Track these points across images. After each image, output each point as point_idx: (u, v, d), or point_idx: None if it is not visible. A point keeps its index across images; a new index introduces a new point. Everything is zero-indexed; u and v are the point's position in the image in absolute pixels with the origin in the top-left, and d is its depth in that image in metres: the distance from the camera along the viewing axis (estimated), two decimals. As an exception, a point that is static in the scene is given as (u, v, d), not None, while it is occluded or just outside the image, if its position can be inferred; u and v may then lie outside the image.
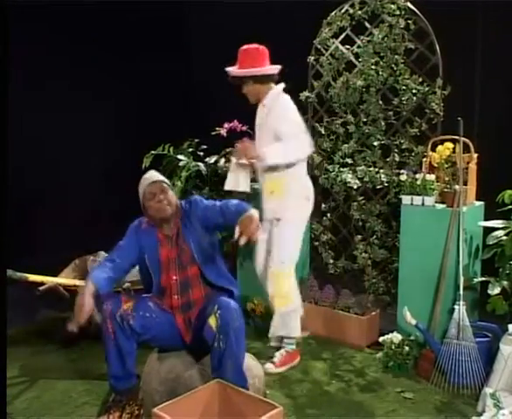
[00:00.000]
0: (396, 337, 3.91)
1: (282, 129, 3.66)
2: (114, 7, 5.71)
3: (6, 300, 2.56)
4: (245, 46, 3.76)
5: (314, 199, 3.99)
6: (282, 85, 3.84)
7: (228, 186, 3.89)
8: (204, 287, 3.27)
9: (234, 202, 3.25)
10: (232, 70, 3.78)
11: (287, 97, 3.83)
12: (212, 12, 6.31)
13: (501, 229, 3.67)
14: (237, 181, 3.83)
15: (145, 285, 3.37)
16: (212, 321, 3.01)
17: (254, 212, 3.06)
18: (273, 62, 3.81)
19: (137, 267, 4.28)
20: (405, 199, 4.08)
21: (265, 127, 3.84)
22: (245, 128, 4.73)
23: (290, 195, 3.79)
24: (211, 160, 5.02)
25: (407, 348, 3.85)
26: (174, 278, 3.24)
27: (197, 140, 4.49)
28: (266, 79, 3.78)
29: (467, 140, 3.94)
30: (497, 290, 3.60)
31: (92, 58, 5.77)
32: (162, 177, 3.37)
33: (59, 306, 4.64)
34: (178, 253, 3.24)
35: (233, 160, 3.87)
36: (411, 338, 3.92)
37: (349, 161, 4.65)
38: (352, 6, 4.53)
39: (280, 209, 3.79)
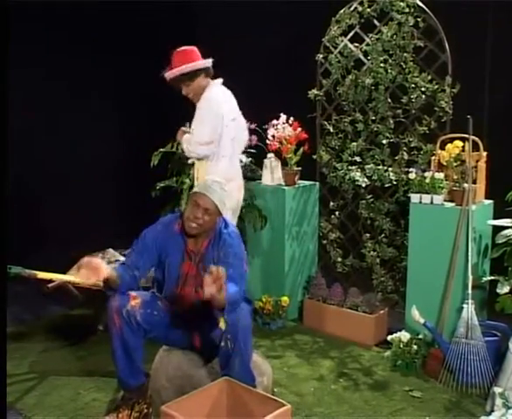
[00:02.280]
0: (404, 336, 3.90)
1: (193, 125, 3.91)
2: (121, 7, 5.73)
3: (6, 298, 2.58)
4: (177, 50, 3.91)
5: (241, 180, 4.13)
6: (218, 80, 4.01)
7: (265, 181, 4.76)
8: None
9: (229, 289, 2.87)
10: (178, 70, 3.87)
11: (213, 92, 3.93)
12: (219, 10, 6.30)
13: (511, 227, 3.66)
14: (272, 177, 4.72)
15: (156, 287, 3.31)
16: (221, 320, 2.99)
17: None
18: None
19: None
20: (414, 197, 4.07)
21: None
22: (253, 126, 4.73)
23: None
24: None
25: (415, 347, 3.84)
26: (187, 295, 3.18)
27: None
28: (201, 73, 3.91)
29: (476, 139, 3.93)
30: (506, 289, 3.58)
31: (97, 56, 5.78)
32: (217, 200, 3.09)
33: (68, 304, 4.67)
34: (197, 273, 3.17)
35: (268, 159, 4.71)
36: (420, 336, 3.91)
37: (358, 159, 4.64)
38: (361, 4, 4.51)
39: None
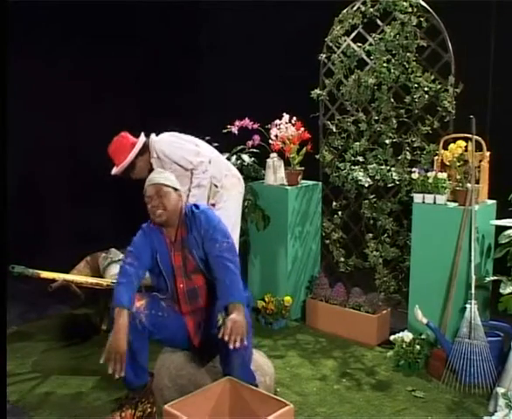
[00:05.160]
0: (407, 335, 3.90)
1: (179, 162, 4.06)
2: (126, 7, 5.75)
3: (6, 298, 2.59)
4: (110, 146, 4.10)
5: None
6: (153, 135, 4.16)
7: (268, 181, 4.76)
8: (213, 296, 3.19)
9: (229, 274, 3.00)
10: (119, 168, 4.08)
11: (160, 138, 4.14)
12: (222, 11, 6.31)
13: (514, 227, 3.65)
14: (275, 177, 4.73)
15: (156, 288, 3.32)
16: (220, 320, 2.98)
17: (237, 315, 2.82)
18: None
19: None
20: (417, 197, 4.06)
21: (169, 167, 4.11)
22: (256, 126, 4.74)
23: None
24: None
25: (418, 347, 3.84)
26: (181, 286, 3.21)
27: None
28: (143, 151, 4.10)
29: (479, 139, 3.92)
30: (509, 289, 3.58)
31: (100, 55, 5.79)
32: (163, 179, 3.19)
33: (71, 303, 4.68)
34: (183, 261, 3.19)
35: (271, 159, 4.73)
36: (423, 336, 3.91)
37: (361, 159, 4.64)
38: (364, 4, 4.51)
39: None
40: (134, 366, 3.08)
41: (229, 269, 3.02)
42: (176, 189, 3.21)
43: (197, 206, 3.27)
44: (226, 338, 2.73)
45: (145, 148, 4.11)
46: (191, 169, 4.05)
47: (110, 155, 4.11)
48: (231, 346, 2.74)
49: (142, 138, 4.12)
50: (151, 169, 4.13)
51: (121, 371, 2.86)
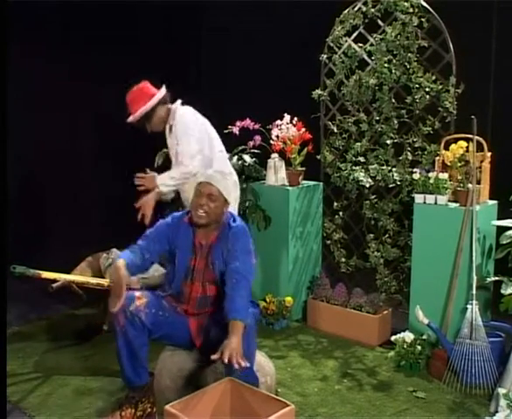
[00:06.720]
0: (408, 336, 3.89)
1: (178, 148, 3.94)
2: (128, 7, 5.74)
3: (6, 298, 2.59)
4: (129, 94, 4.00)
5: None
6: (179, 101, 4.07)
7: (269, 181, 4.77)
8: (221, 303, 3.14)
9: (238, 290, 2.99)
10: (138, 113, 3.95)
11: (184, 111, 4.05)
12: (225, 11, 6.31)
13: (515, 228, 3.65)
14: (276, 177, 4.73)
15: (167, 282, 3.33)
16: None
17: (237, 340, 2.80)
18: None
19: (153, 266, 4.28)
20: (418, 198, 4.06)
21: (171, 144, 4.10)
22: (257, 126, 4.73)
23: None
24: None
25: (419, 347, 3.84)
26: (195, 290, 3.20)
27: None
28: (157, 107, 3.99)
29: (480, 139, 3.92)
30: (510, 289, 3.57)
31: (102, 54, 5.78)
32: (220, 185, 3.14)
33: (72, 303, 4.68)
34: (204, 267, 3.18)
35: (272, 159, 4.74)
36: (424, 337, 3.91)
37: (362, 159, 4.64)
38: (365, 4, 4.50)
39: None
40: (133, 363, 3.09)
41: (240, 285, 3.01)
42: (226, 200, 3.18)
43: (235, 219, 3.25)
44: (226, 360, 2.71)
45: (166, 102, 4.02)
46: (180, 161, 3.96)
47: (128, 103, 3.99)
48: (236, 366, 2.72)
49: (164, 89, 4.03)
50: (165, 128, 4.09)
51: (116, 305, 2.91)
